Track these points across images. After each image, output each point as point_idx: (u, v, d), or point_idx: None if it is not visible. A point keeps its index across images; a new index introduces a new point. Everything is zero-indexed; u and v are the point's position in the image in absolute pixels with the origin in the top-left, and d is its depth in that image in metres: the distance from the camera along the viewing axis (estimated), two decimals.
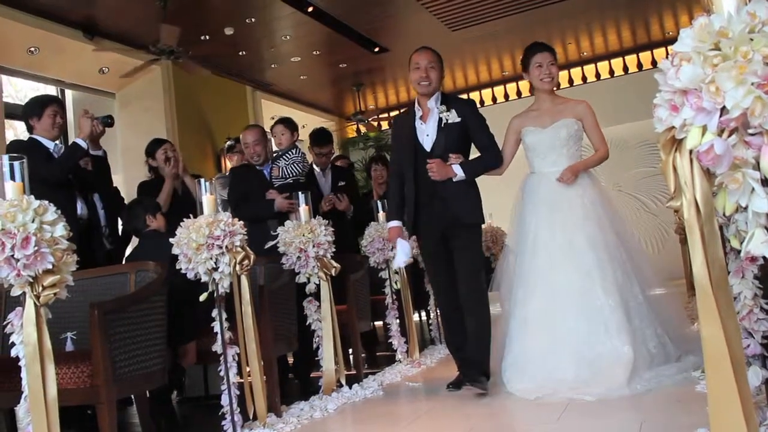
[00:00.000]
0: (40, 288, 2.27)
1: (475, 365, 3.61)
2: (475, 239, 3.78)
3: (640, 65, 10.58)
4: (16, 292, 2.28)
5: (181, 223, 3.16)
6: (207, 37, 7.59)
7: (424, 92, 3.76)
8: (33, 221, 2.21)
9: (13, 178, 2.29)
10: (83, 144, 4.08)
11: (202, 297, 3.15)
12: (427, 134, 3.77)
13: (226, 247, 3.08)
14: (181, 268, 3.15)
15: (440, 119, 3.72)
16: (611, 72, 10.82)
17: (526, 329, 3.52)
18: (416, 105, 3.85)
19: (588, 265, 3.48)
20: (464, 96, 11.84)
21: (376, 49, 8.86)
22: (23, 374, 2.33)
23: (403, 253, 3.82)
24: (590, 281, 3.46)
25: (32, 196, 2.26)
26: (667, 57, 1.47)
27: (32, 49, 6.77)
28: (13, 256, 2.18)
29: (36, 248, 2.20)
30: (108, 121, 4.32)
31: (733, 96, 1.31)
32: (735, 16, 1.36)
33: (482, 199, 3.82)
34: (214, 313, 3.15)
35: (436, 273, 3.90)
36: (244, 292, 3.23)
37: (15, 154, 2.31)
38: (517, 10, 8.08)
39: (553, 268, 3.53)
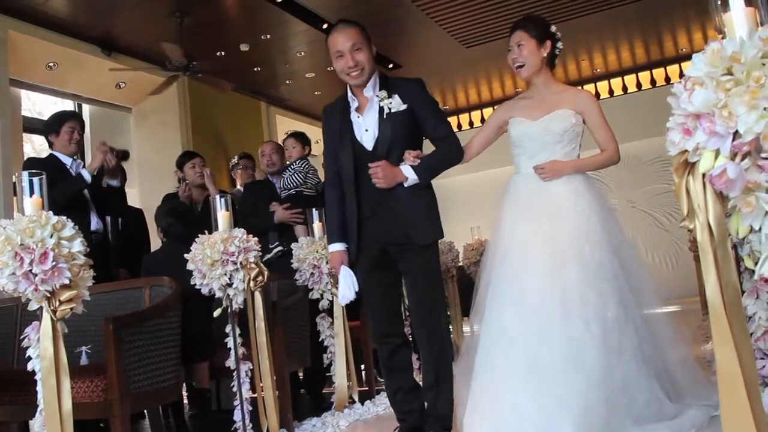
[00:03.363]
0: (57, 302, 2.29)
1: (437, 420, 2.91)
2: (431, 263, 2.97)
3: (653, 81, 10.59)
4: (33, 306, 2.30)
5: (196, 239, 3.19)
6: (222, 53, 7.66)
7: (357, 83, 2.93)
8: (51, 236, 2.24)
9: (32, 193, 2.32)
10: (88, 177, 4.06)
11: (216, 312, 3.17)
12: (366, 129, 2.95)
13: (241, 263, 3.11)
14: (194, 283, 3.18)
15: (381, 108, 2.92)
16: (624, 88, 10.84)
17: (485, 359, 2.78)
18: (349, 93, 3.00)
19: (567, 284, 2.72)
20: (476, 113, 11.88)
21: (390, 66, 8.91)
22: (39, 388, 2.35)
23: (347, 286, 2.93)
24: (567, 304, 2.69)
25: (51, 212, 2.29)
26: (680, 74, 1.49)
27: (51, 64, 6.86)
28: (31, 270, 2.21)
29: (54, 263, 2.22)
30: (122, 156, 4.33)
31: (746, 121, 1.31)
32: (747, 42, 1.37)
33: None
34: (228, 328, 3.17)
35: (371, 301, 3.04)
36: (257, 308, 3.25)
37: (34, 170, 2.35)
38: None
39: (524, 281, 2.77)
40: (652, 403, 2.69)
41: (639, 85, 10.71)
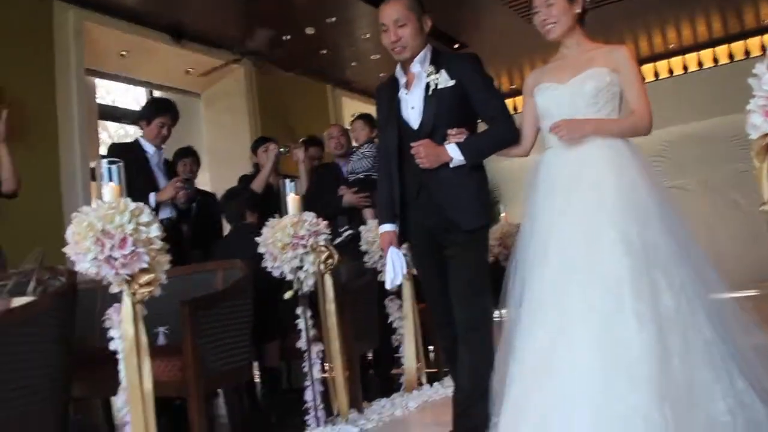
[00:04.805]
0: (137, 286, 2.38)
1: (469, 421, 2.70)
2: (476, 249, 2.77)
3: (731, 56, 10.15)
4: (114, 289, 2.39)
5: (267, 223, 3.25)
6: (288, 37, 7.72)
7: (400, 59, 2.83)
8: (130, 222, 2.31)
9: (110, 180, 2.40)
10: (153, 203, 4.04)
11: (287, 295, 3.23)
12: (412, 106, 2.80)
13: (311, 246, 3.15)
14: (265, 267, 3.25)
15: (427, 85, 2.76)
16: (700, 63, 10.43)
17: (524, 371, 2.35)
18: (398, 69, 2.89)
19: (616, 277, 2.27)
20: None
21: (456, 46, 8.82)
22: (121, 367, 2.44)
23: (393, 268, 2.81)
24: (617, 301, 2.23)
25: (129, 199, 2.37)
26: (762, 46, 1.42)
27: (123, 53, 7.05)
28: (111, 255, 2.29)
29: (133, 248, 2.30)
30: (190, 192, 4.30)
31: None
32: None
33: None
34: (299, 311, 3.23)
35: (428, 289, 2.93)
36: (327, 291, 3.30)
37: (113, 158, 2.43)
38: (599, 3, 7.89)
39: (566, 279, 2.34)
40: (738, 409, 2.21)
41: (716, 59, 10.28)
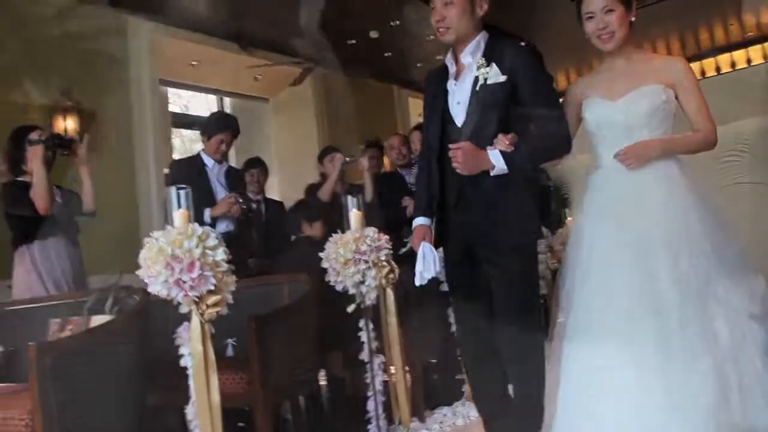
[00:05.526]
0: (205, 306, 2.49)
1: None
2: (521, 269, 2.52)
3: None
4: (184, 309, 2.50)
5: (330, 238, 3.33)
6: (354, 41, 7.82)
7: (445, 42, 2.57)
8: (197, 247, 2.42)
9: (179, 206, 2.51)
10: (207, 218, 4.09)
11: (350, 308, 3.31)
12: (458, 101, 2.54)
13: (373, 261, 3.22)
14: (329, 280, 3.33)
15: (476, 79, 2.48)
16: None
17: (570, 389, 2.37)
18: (449, 55, 2.62)
19: (669, 306, 2.24)
20: None
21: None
22: (191, 382, 2.56)
23: (424, 264, 2.58)
24: (671, 331, 2.21)
25: (197, 224, 2.48)
26: None
27: (193, 62, 7.27)
28: (180, 279, 2.40)
29: (200, 272, 2.41)
30: (246, 209, 4.33)
31: None
32: None
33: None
34: (361, 323, 3.31)
35: (456, 303, 2.79)
36: (389, 304, 3.37)
37: (181, 185, 2.54)
38: None
39: (612, 302, 2.31)
40: None
41: None
